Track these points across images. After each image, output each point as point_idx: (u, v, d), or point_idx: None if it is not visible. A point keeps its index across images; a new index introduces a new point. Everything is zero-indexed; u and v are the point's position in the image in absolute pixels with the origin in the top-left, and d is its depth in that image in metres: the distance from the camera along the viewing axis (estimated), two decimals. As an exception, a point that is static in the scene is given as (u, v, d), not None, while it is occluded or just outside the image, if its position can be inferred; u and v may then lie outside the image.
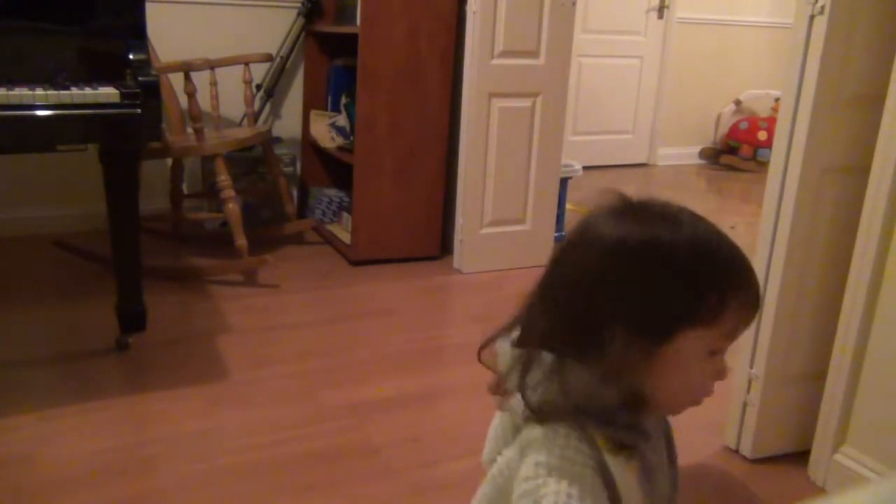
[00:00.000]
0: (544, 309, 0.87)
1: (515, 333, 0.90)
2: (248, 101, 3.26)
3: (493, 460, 0.91)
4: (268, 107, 3.67)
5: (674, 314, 0.81)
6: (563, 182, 3.46)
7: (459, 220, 3.19)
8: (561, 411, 0.80)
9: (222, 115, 3.35)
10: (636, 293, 0.80)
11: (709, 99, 5.83)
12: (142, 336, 2.38)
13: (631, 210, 0.86)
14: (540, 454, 0.81)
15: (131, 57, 2.12)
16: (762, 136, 5.53)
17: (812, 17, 1.71)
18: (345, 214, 3.48)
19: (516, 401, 0.84)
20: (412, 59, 3.07)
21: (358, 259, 3.20)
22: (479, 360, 0.96)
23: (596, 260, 0.82)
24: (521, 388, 0.83)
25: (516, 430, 0.86)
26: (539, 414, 0.81)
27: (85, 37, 2.13)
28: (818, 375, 1.89)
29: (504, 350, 0.91)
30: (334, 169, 3.73)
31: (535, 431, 0.83)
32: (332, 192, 3.69)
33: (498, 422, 0.92)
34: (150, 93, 2.08)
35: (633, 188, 5.10)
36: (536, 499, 0.79)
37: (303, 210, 3.76)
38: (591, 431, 0.80)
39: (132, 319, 2.35)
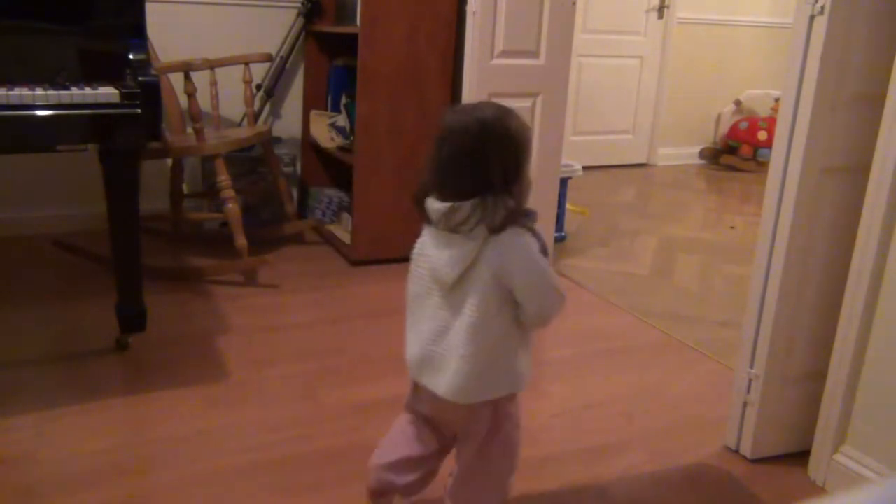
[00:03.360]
0: (458, 177, 1.39)
1: (435, 196, 1.40)
2: (248, 101, 3.26)
3: (460, 274, 1.38)
4: (268, 107, 3.67)
5: (521, 160, 1.42)
6: (563, 182, 3.46)
7: (459, 220, 3.19)
8: (506, 222, 1.36)
9: (222, 115, 3.35)
10: (504, 154, 1.40)
11: (709, 99, 5.83)
12: (142, 336, 2.38)
13: (469, 109, 1.46)
14: (516, 241, 1.38)
15: (131, 57, 2.12)
16: (762, 136, 5.53)
17: (812, 17, 1.71)
18: (345, 214, 3.48)
19: (479, 228, 1.36)
20: (412, 59, 3.07)
21: (358, 259, 3.20)
22: (415, 204, 1.45)
23: (473, 141, 1.39)
24: (485, 218, 1.35)
25: (477, 248, 1.37)
26: (499, 228, 1.36)
27: (85, 37, 2.13)
28: (818, 375, 1.89)
29: (439, 206, 1.38)
30: (334, 169, 3.73)
31: (502, 237, 1.37)
32: (332, 192, 3.69)
33: (453, 253, 1.38)
34: (150, 93, 2.08)
35: (634, 188, 5.11)
36: (531, 255, 1.39)
37: (303, 210, 3.76)
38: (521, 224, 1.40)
39: (132, 319, 2.34)
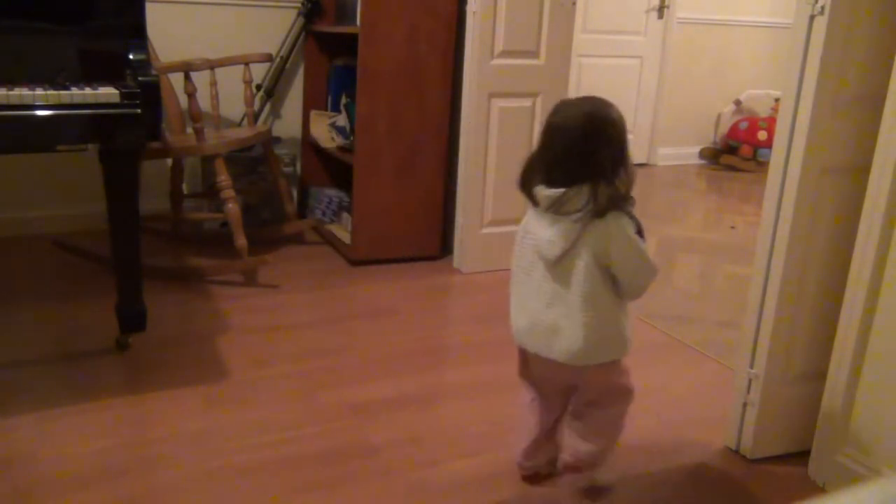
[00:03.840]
0: (571, 167, 1.55)
1: (544, 184, 1.57)
2: (248, 101, 3.26)
3: (563, 251, 1.55)
4: (268, 107, 3.67)
5: (625, 149, 1.58)
6: (563, 182, 3.46)
7: (459, 219, 3.19)
8: (610, 206, 1.53)
9: (222, 115, 3.35)
10: (611, 144, 1.56)
11: (709, 99, 5.83)
12: (142, 336, 2.38)
13: (576, 104, 1.61)
14: (617, 223, 1.56)
15: (131, 57, 2.12)
16: (762, 136, 5.53)
17: (812, 17, 1.71)
18: (345, 214, 3.48)
19: (583, 212, 1.53)
20: (412, 59, 3.07)
21: (358, 259, 3.20)
22: (522, 190, 1.63)
23: (584, 134, 1.55)
24: (592, 203, 1.52)
25: (580, 230, 1.54)
26: (603, 212, 1.53)
27: (85, 37, 2.13)
28: (818, 375, 1.89)
29: (550, 192, 1.56)
30: (334, 169, 3.73)
31: (605, 219, 1.54)
32: (332, 192, 3.69)
33: (557, 233, 1.56)
34: (150, 93, 2.08)
35: (634, 188, 5.10)
36: (629, 237, 1.57)
37: (303, 210, 3.76)
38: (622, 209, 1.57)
39: (132, 319, 2.34)
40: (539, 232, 1.59)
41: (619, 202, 1.55)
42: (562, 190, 1.54)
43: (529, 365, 1.73)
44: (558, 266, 1.57)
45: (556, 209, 1.55)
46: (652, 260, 1.62)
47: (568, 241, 1.55)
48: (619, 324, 1.62)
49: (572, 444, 1.74)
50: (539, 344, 1.63)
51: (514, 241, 1.68)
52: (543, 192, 1.57)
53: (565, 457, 1.76)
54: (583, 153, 1.54)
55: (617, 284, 1.59)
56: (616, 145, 1.56)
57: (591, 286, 1.56)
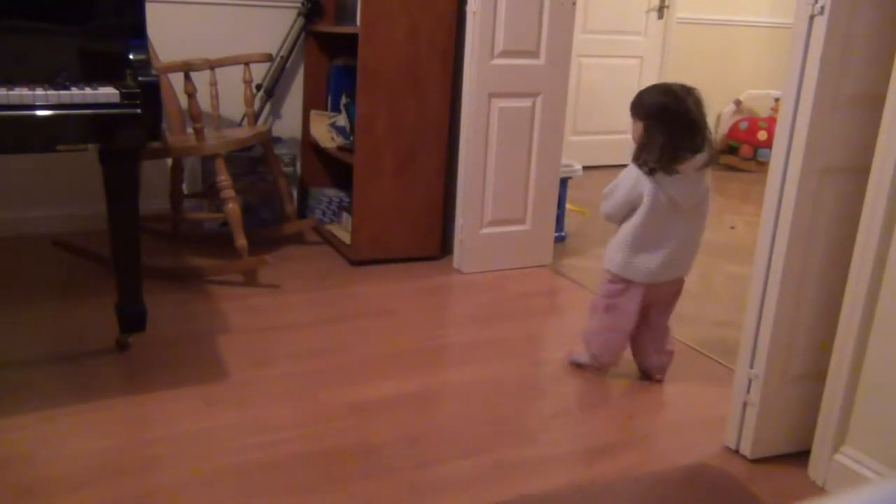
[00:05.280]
0: (697, 136, 2.12)
1: (690, 152, 2.12)
2: (248, 101, 3.25)
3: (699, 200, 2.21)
4: (268, 107, 3.67)
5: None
6: (563, 182, 3.46)
7: (459, 220, 3.19)
8: (712, 160, 2.18)
9: (222, 115, 3.35)
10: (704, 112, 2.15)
11: (709, 99, 5.76)
12: (142, 336, 2.38)
13: (673, 89, 2.16)
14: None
15: (131, 57, 2.12)
16: (762, 136, 5.53)
17: (812, 17, 1.71)
18: (345, 214, 3.48)
19: (707, 168, 2.18)
20: (412, 59, 3.07)
21: (358, 259, 3.20)
22: (655, 171, 2.13)
23: (695, 110, 2.12)
24: (710, 156, 2.16)
25: (706, 181, 2.20)
26: (709, 165, 2.18)
27: (85, 37, 2.13)
28: (818, 375, 1.89)
29: (698, 157, 2.12)
30: (334, 169, 3.73)
31: (708, 170, 2.18)
32: (332, 192, 3.69)
33: (695, 187, 2.16)
34: (150, 93, 2.08)
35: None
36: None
37: (303, 210, 3.76)
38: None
39: (132, 319, 2.34)
40: (675, 190, 2.12)
41: (716, 157, 2.31)
42: (702, 154, 2.11)
43: (646, 294, 2.22)
44: (689, 211, 2.16)
45: (695, 169, 2.12)
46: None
47: (703, 191, 2.18)
48: None
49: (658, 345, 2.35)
50: (668, 274, 2.21)
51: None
52: (689, 161, 2.09)
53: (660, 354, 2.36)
54: (700, 124, 2.13)
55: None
56: (705, 114, 2.18)
57: (704, 221, 2.23)
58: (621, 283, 2.24)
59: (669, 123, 2.09)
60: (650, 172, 2.11)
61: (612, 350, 2.31)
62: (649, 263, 2.17)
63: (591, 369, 2.37)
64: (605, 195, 2.26)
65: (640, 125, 2.16)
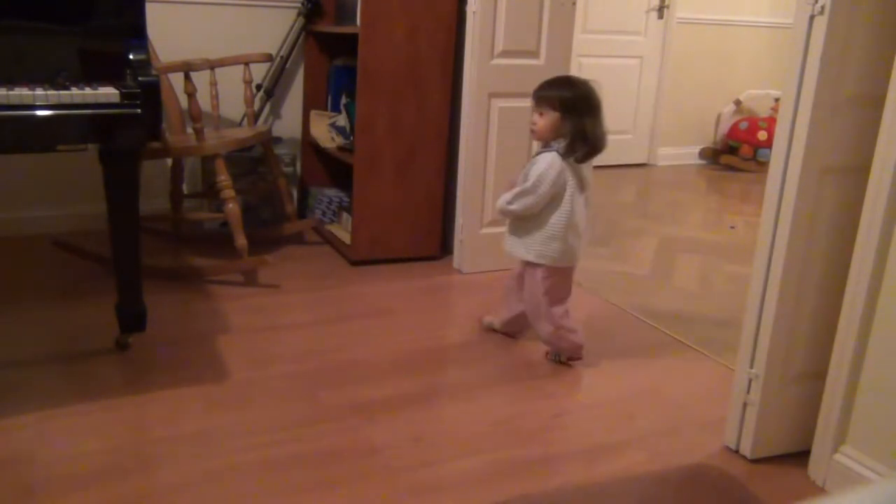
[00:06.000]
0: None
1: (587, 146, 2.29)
2: (248, 101, 3.26)
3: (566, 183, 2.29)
4: (268, 107, 3.67)
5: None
6: (563, 182, 3.46)
7: (459, 220, 3.19)
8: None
9: (222, 115, 3.35)
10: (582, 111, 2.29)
11: (709, 99, 5.83)
12: (142, 336, 2.38)
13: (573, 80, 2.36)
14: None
15: (131, 57, 2.11)
16: (762, 136, 5.53)
17: (812, 17, 1.71)
18: (345, 214, 3.48)
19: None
20: (412, 59, 3.07)
21: (358, 259, 3.20)
22: (583, 159, 2.29)
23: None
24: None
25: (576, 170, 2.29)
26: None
27: (85, 37, 2.13)
28: (818, 375, 1.89)
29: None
30: (334, 169, 3.73)
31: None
32: (332, 192, 3.69)
33: (587, 172, 2.33)
34: (150, 93, 2.08)
35: (634, 188, 5.10)
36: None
37: (303, 210, 3.76)
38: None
39: (132, 319, 2.35)
40: (585, 173, 2.32)
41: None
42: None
43: (563, 273, 2.36)
44: (583, 194, 2.33)
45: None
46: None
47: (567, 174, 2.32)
48: None
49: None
50: (579, 252, 2.36)
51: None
52: (599, 148, 2.30)
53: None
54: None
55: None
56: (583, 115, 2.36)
57: None
58: (555, 274, 2.35)
59: (593, 112, 2.27)
60: (582, 160, 2.25)
61: (577, 333, 2.42)
62: (577, 246, 2.33)
63: (575, 359, 2.44)
64: (525, 192, 2.27)
65: (553, 115, 2.26)
